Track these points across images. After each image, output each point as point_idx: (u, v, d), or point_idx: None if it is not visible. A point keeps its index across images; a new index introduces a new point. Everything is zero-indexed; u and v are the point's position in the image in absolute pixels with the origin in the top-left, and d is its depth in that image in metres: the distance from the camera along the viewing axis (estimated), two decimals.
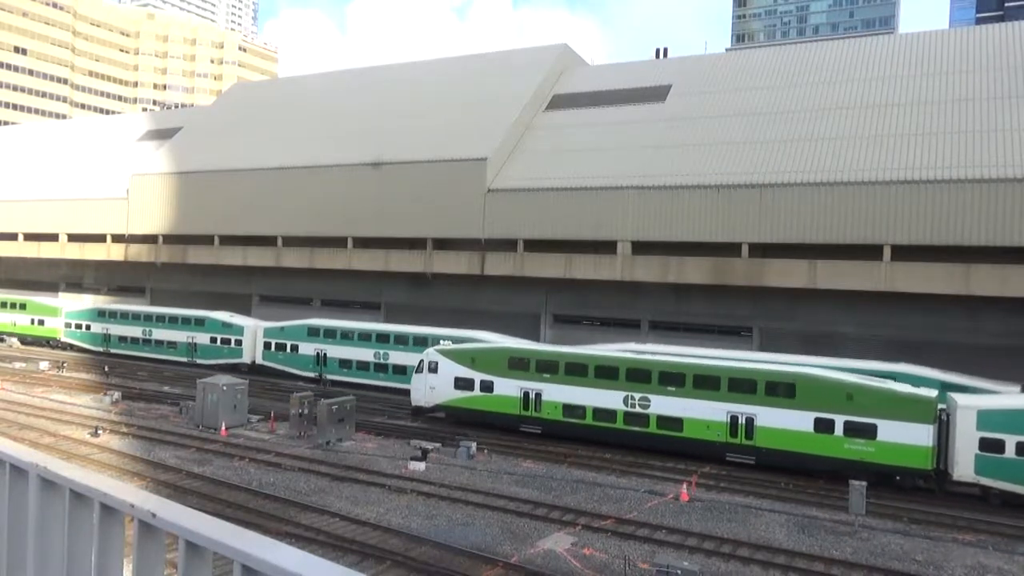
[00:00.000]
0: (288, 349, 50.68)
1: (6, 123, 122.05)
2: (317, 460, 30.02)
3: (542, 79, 56.49)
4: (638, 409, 32.74)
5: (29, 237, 72.39)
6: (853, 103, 45.00)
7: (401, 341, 46.29)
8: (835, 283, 39.56)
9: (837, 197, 40.11)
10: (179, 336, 56.21)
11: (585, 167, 47.76)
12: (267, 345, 51.80)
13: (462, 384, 36.84)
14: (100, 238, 67.34)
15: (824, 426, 29.27)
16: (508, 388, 35.73)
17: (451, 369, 37.13)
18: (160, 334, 57.35)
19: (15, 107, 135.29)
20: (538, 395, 35.01)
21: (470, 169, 50.11)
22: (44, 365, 53.71)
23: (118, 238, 66.52)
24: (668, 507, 25.27)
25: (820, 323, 42.26)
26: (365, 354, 47.34)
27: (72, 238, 69.57)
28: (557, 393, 34.58)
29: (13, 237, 73.47)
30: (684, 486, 27.03)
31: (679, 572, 18.33)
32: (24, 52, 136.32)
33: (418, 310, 52.91)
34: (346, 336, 48.45)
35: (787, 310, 42.98)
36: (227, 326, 53.98)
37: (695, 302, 45.11)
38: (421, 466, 29.09)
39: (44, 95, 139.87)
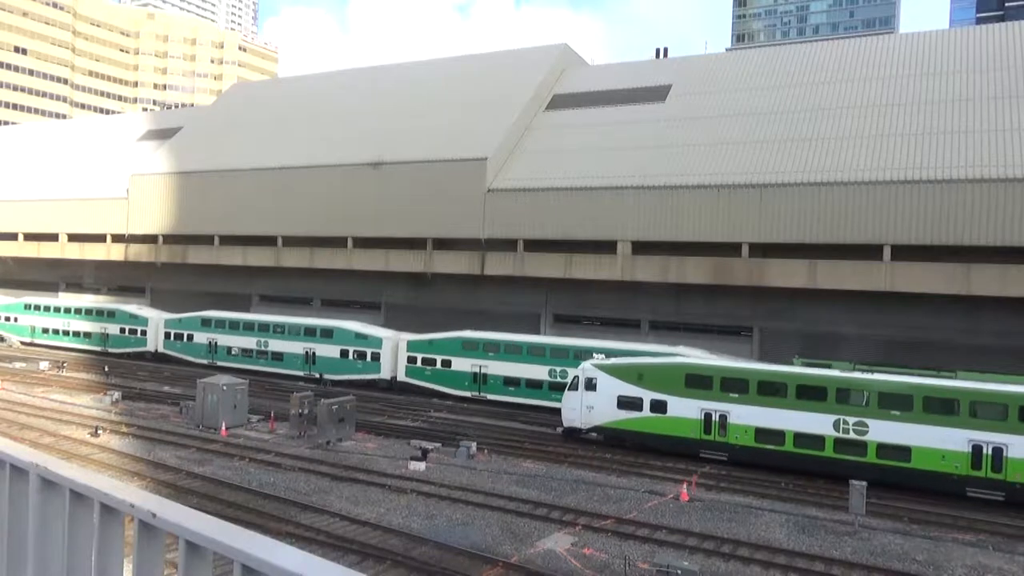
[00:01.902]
0: (439, 364, 45.96)
1: (6, 123, 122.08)
2: (317, 460, 30.03)
3: (542, 79, 56.51)
4: (852, 435, 28.91)
5: (29, 237, 72.41)
6: (853, 103, 45.01)
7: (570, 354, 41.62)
8: (835, 283, 39.57)
9: (837, 197, 40.12)
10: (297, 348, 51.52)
11: (585, 167, 47.76)
12: (411, 360, 47.10)
13: (627, 404, 32.92)
14: (100, 238, 67.36)
15: None
16: (685, 409, 31.86)
17: (613, 386, 33.26)
18: (281, 345, 52.16)
19: (15, 107, 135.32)
20: (723, 417, 31.23)
21: (470, 169, 50.12)
22: (44, 365, 53.73)
23: (118, 238, 66.53)
24: (668, 507, 25.28)
25: (820, 323, 42.27)
26: (536, 371, 42.60)
27: (72, 238, 69.59)
28: (748, 415, 30.72)
29: (13, 237, 73.48)
30: (684, 486, 27.04)
31: (679, 572, 18.34)
32: (24, 52, 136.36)
33: (418, 310, 52.94)
34: (511, 350, 43.69)
35: (787, 310, 42.98)
36: (361, 337, 49.20)
37: (695, 302, 45.11)
38: (421, 466, 29.09)
39: (44, 95, 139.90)
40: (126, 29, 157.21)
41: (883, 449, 28.45)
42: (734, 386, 31.32)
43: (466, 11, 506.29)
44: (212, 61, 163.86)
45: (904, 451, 28.14)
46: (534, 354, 42.71)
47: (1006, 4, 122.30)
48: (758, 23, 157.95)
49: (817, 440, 29.49)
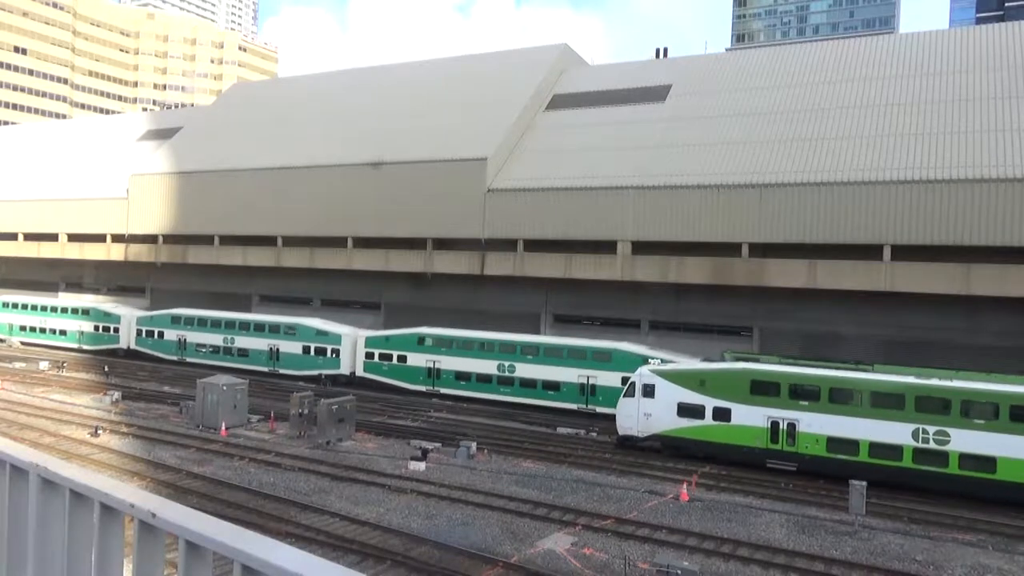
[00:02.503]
0: (395, 360, 47.54)
1: (6, 123, 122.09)
2: (317, 460, 30.03)
3: (542, 79, 56.50)
4: (933, 445, 27.74)
5: (29, 237, 72.39)
6: (853, 103, 45.01)
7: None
8: (835, 283, 39.56)
9: (837, 197, 40.12)
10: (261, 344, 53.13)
11: (585, 167, 47.76)
12: (369, 355, 48.45)
13: (688, 411, 31.75)
14: (100, 238, 67.34)
15: None
16: (750, 417, 30.63)
17: (672, 393, 32.13)
18: (246, 342, 53.87)
19: (15, 107, 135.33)
20: (792, 426, 29.97)
21: (470, 169, 50.12)
22: (44, 365, 53.73)
23: (118, 238, 66.51)
24: (668, 507, 25.28)
25: (820, 323, 42.27)
26: (486, 366, 44.25)
27: (72, 238, 69.57)
28: (818, 424, 29.46)
29: (13, 237, 73.48)
30: (684, 486, 27.04)
31: (679, 572, 18.34)
32: (24, 52, 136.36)
33: (418, 310, 52.93)
34: (462, 346, 45.40)
35: (787, 310, 42.98)
36: (322, 334, 50.75)
37: (695, 302, 45.11)
38: (421, 466, 29.09)
39: (44, 95, 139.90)
40: (126, 29, 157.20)
41: (966, 460, 27.27)
42: (804, 393, 30.04)
43: (466, 11, 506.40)
44: (212, 61, 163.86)
45: (989, 462, 27.01)
46: (484, 350, 44.45)
47: (1006, 4, 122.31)
48: (758, 23, 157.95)
49: (894, 450, 28.27)
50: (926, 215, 38.18)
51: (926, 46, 47.54)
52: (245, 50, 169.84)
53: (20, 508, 2.92)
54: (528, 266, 47.58)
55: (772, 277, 41.05)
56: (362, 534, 21.73)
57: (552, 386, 42.11)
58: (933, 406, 28.08)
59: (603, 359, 41.08)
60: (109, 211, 67.00)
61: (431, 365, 45.91)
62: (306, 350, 50.79)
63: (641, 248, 44.77)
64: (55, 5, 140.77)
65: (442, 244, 51.89)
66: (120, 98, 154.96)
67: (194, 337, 55.93)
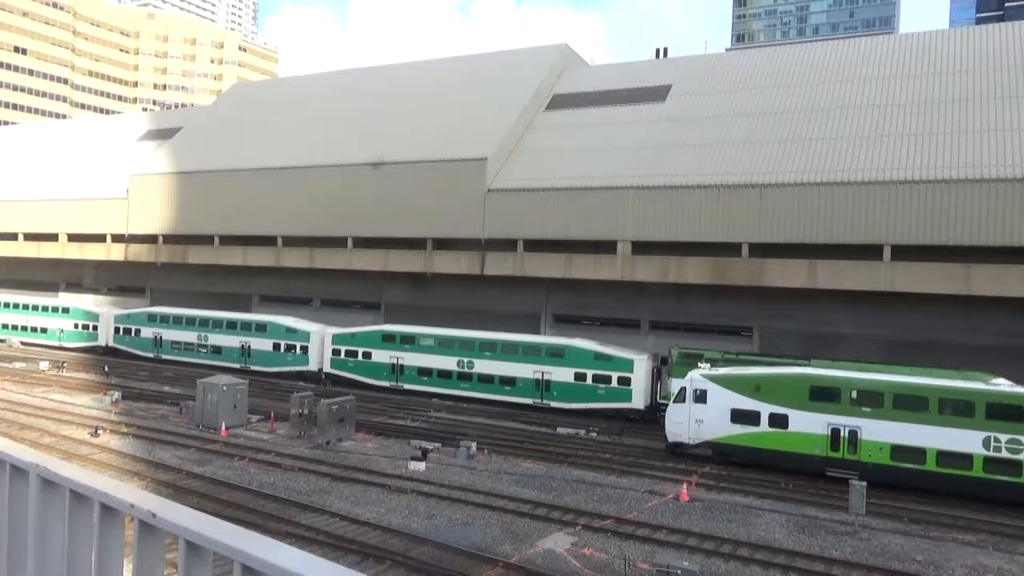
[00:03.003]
0: (360, 356, 48.87)
1: (6, 123, 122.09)
2: (317, 460, 30.03)
3: (542, 79, 56.50)
4: (1005, 454, 26.86)
5: (29, 237, 72.38)
6: (853, 103, 45.01)
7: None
8: (835, 283, 39.56)
9: (837, 197, 40.12)
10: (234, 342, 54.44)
11: (585, 167, 47.76)
12: (336, 352, 49.80)
13: (742, 417, 30.57)
14: (100, 238, 67.34)
15: None
16: (810, 423, 29.47)
17: (725, 399, 31.00)
18: (219, 339, 55.34)
19: (15, 107, 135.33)
20: (853, 433, 28.87)
21: (470, 169, 50.12)
22: (44, 365, 53.74)
23: (118, 238, 66.51)
24: (668, 507, 25.28)
25: (820, 323, 42.27)
26: (446, 362, 45.67)
27: (72, 238, 69.57)
28: (882, 431, 28.47)
29: (13, 237, 73.48)
30: (684, 486, 27.03)
31: (679, 572, 18.34)
32: (24, 52, 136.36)
33: (418, 310, 52.94)
34: (424, 342, 46.64)
35: (787, 310, 42.99)
36: (291, 331, 52.20)
37: (695, 302, 45.11)
38: (421, 466, 29.09)
39: (44, 95, 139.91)
40: (126, 29, 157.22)
41: None
42: (867, 399, 28.90)
43: (466, 10, 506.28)
44: (212, 61, 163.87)
45: None
46: (444, 346, 45.82)
47: (1006, 4, 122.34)
48: (758, 23, 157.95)
49: (964, 459, 27.23)
50: (926, 215, 38.18)
51: (926, 46, 47.54)
52: (245, 50, 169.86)
53: (20, 508, 2.93)
54: (528, 266, 47.58)
55: (772, 277, 41.05)
56: (362, 534, 21.73)
57: (509, 381, 43.41)
58: (1005, 413, 27.10)
59: (556, 355, 42.39)
60: (109, 211, 67.01)
61: (394, 361, 47.23)
62: (276, 347, 52.27)
63: (641, 248, 44.77)
64: (55, 5, 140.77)
65: (442, 244, 51.89)
66: (120, 98, 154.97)
67: (169, 335, 57.40)
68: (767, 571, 20.02)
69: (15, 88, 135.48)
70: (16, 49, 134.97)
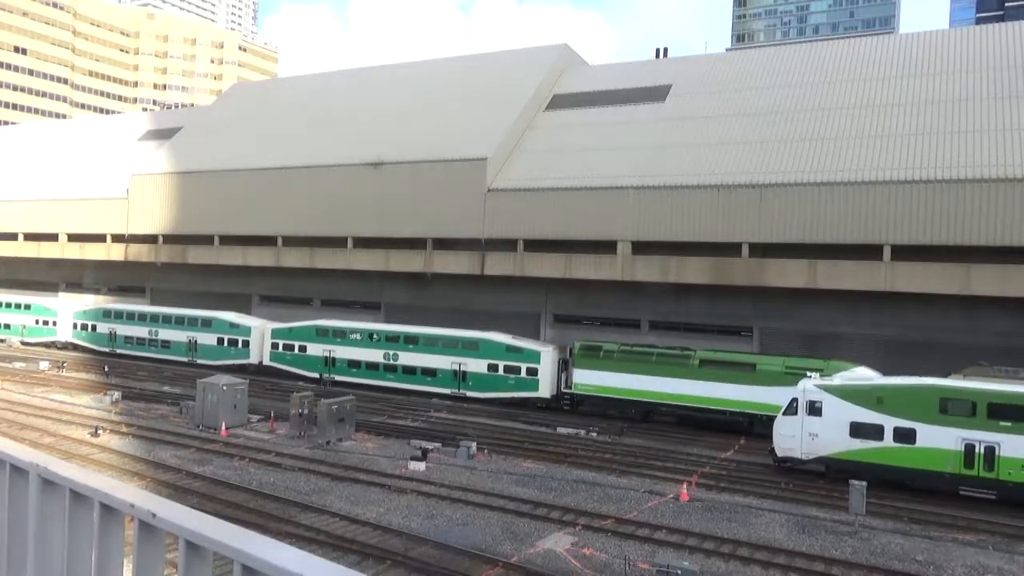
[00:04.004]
0: (296, 350, 51.48)
1: (6, 123, 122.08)
2: (317, 460, 30.03)
3: (542, 79, 56.50)
4: None
5: (29, 237, 72.37)
6: (853, 103, 45.01)
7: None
8: (835, 283, 39.57)
9: (837, 197, 40.12)
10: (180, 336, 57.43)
11: (585, 167, 47.76)
12: (275, 346, 52.64)
13: (863, 431, 28.56)
14: (100, 238, 67.34)
15: None
16: (940, 439, 27.39)
17: (843, 411, 28.94)
18: (168, 334, 58.14)
19: (15, 107, 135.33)
20: (990, 450, 26.71)
21: (470, 169, 50.12)
22: (44, 365, 53.73)
23: (118, 238, 66.51)
24: (668, 507, 25.28)
25: (820, 323, 42.28)
26: (373, 355, 48.12)
27: (72, 238, 69.57)
28: None
29: (13, 237, 73.47)
30: (684, 486, 27.03)
31: (679, 572, 18.34)
32: (24, 52, 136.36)
33: (418, 310, 52.94)
34: (353, 336, 49.31)
35: (787, 310, 42.99)
36: (234, 326, 54.97)
37: (695, 302, 45.12)
38: (421, 466, 29.09)
39: (44, 95, 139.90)
40: (126, 29, 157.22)
41: None
42: (1006, 412, 26.59)
43: (467, 9, 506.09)
44: (212, 61, 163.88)
45: None
46: (371, 340, 48.26)
47: (1006, 4, 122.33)
48: (758, 23, 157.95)
49: None
50: (926, 215, 38.18)
51: (926, 46, 47.54)
52: (245, 50, 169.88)
53: (20, 508, 2.93)
54: (528, 266, 47.58)
55: (772, 277, 41.06)
56: (362, 534, 21.73)
57: (429, 372, 45.92)
58: None
59: (472, 348, 44.80)
60: (109, 211, 67.01)
61: (327, 354, 49.75)
62: (220, 341, 55.01)
63: (641, 248, 44.77)
64: (55, 5, 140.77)
65: (442, 244, 51.89)
66: (120, 98, 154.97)
67: (122, 330, 60.09)
68: (767, 571, 20.02)
69: (15, 88, 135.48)
70: (16, 49, 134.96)
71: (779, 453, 30.29)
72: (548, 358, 42.73)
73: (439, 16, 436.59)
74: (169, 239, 63.49)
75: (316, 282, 57.97)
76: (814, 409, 29.40)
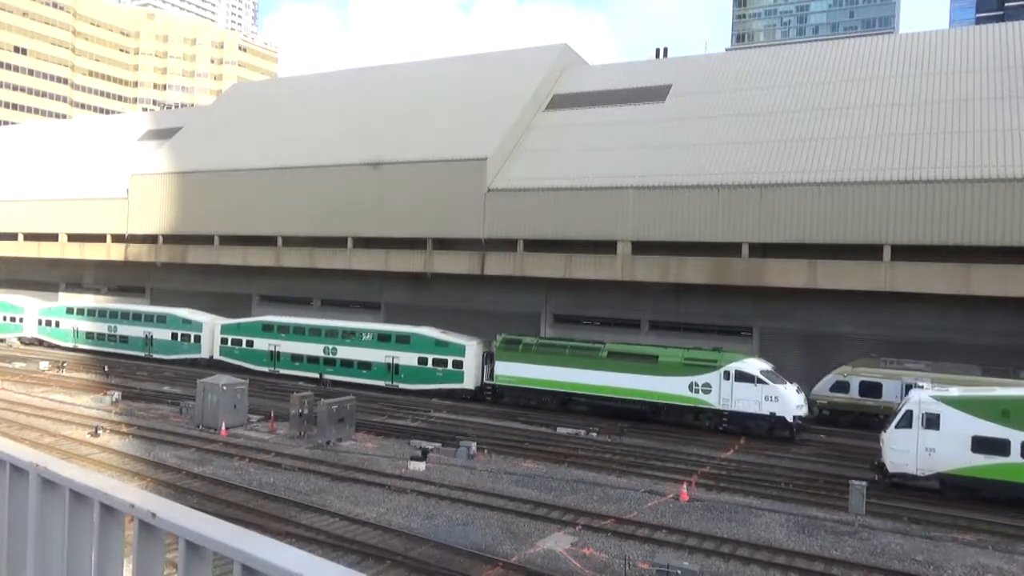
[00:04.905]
0: (244, 344, 53.62)
1: (6, 123, 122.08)
2: (317, 460, 30.03)
3: (542, 79, 56.51)
4: None
5: (29, 237, 72.38)
6: (853, 103, 45.02)
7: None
8: (835, 283, 39.57)
9: (837, 197, 40.13)
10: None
11: (585, 167, 47.77)
12: (224, 341, 54.78)
13: (986, 446, 26.59)
14: (100, 238, 67.35)
15: None
16: None
17: (964, 424, 26.90)
18: (126, 330, 60.75)
19: (15, 107, 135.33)
20: None
21: (470, 169, 50.12)
22: (44, 365, 53.74)
23: (118, 238, 66.52)
24: (668, 507, 25.27)
25: (820, 323, 42.28)
26: (313, 349, 50.24)
27: (72, 238, 69.57)
28: None
29: (13, 237, 73.48)
30: (684, 486, 27.02)
31: (679, 572, 18.34)
32: (24, 52, 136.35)
33: (418, 310, 52.95)
34: (296, 331, 51.51)
35: (787, 310, 42.99)
36: (186, 322, 57.09)
37: (695, 302, 45.12)
38: (421, 466, 29.09)
39: (44, 95, 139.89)
40: (126, 29, 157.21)
41: None
42: None
43: (468, 8, 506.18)
44: (212, 61, 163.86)
45: None
46: (313, 334, 50.31)
47: (1006, 4, 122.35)
48: (758, 23, 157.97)
49: None
50: (926, 215, 38.19)
51: (926, 46, 47.54)
52: (245, 50, 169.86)
53: (20, 508, 2.92)
54: (528, 266, 47.58)
55: (772, 277, 41.06)
56: (362, 534, 21.73)
57: (365, 365, 47.81)
58: None
59: (404, 342, 46.74)
60: (109, 211, 67.02)
61: (272, 349, 51.63)
62: (174, 336, 57.14)
63: (641, 248, 44.78)
64: (55, 5, 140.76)
65: (442, 244, 51.89)
66: (120, 98, 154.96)
67: (84, 326, 62.45)
68: (767, 571, 20.01)
69: (15, 88, 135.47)
70: (16, 49, 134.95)
71: (891, 469, 28.11)
72: (472, 351, 44.75)
73: (439, 16, 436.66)
74: (169, 239, 63.49)
75: (316, 282, 57.97)
76: (931, 422, 27.23)
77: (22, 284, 75.50)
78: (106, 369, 52.71)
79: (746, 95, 48.99)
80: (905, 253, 38.70)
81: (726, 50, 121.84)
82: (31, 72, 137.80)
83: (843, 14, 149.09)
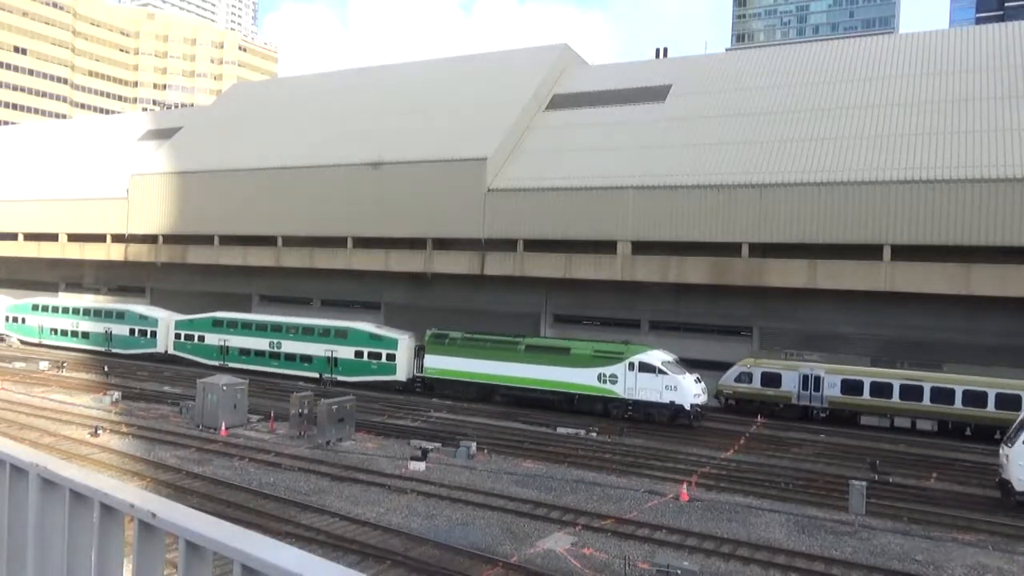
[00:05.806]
0: (196, 339, 55.53)
1: (6, 123, 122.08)
2: (317, 460, 30.02)
3: (542, 79, 56.51)
4: None
5: (29, 237, 72.40)
6: (853, 103, 45.02)
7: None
8: (835, 283, 39.58)
9: (837, 197, 40.13)
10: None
11: (585, 167, 47.77)
12: (178, 336, 56.65)
13: None
14: (100, 238, 67.36)
15: None
16: None
17: None
18: (88, 326, 62.77)
19: (15, 107, 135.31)
20: None
21: (470, 169, 50.13)
22: (44, 365, 53.74)
23: (118, 238, 66.53)
24: (668, 507, 25.27)
25: (820, 323, 42.28)
26: (260, 343, 52.10)
27: (72, 238, 69.58)
28: None
29: (13, 237, 73.48)
30: (684, 486, 27.02)
31: (679, 572, 18.33)
32: (24, 52, 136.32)
33: (418, 310, 52.96)
34: (244, 326, 53.34)
35: (787, 310, 42.99)
36: (143, 318, 59.24)
37: (695, 302, 45.12)
38: (421, 466, 29.09)
39: (44, 95, 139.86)
40: (126, 29, 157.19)
41: None
42: None
43: (469, 8, 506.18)
44: (212, 61, 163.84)
45: None
46: (259, 330, 52.37)
47: (1006, 4, 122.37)
48: (758, 23, 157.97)
49: None
50: (926, 215, 38.19)
51: (926, 46, 47.55)
52: (245, 50, 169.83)
53: (20, 508, 2.92)
54: (528, 266, 47.59)
55: (772, 277, 41.06)
56: (362, 534, 21.72)
57: (307, 359, 49.78)
58: None
59: (342, 336, 48.64)
60: (109, 211, 67.03)
61: (222, 343, 53.58)
62: (132, 332, 59.27)
63: (641, 248, 44.78)
64: (55, 5, 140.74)
65: (442, 244, 51.90)
66: (120, 98, 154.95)
67: (48, 322, 64.68)
68: (767, 571, 20.01)
69: (15, 88, 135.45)
70: (16, 49, 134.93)
71: (1018, 487, 25.08)
72: (404, 345, 46.70)
73: (440, 15, 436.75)
74: (169, 239, 63.49)
75: (316, 282, 57.98)
76: None
77: (22, 284, 75.53)
78: (106, 369, 52.71)
79: (746, 95, 49.00)
80: (905, 253, 38.71)
81: (726, 50, 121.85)
82: (31, 72, 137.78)
83: (843, 14, 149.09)
